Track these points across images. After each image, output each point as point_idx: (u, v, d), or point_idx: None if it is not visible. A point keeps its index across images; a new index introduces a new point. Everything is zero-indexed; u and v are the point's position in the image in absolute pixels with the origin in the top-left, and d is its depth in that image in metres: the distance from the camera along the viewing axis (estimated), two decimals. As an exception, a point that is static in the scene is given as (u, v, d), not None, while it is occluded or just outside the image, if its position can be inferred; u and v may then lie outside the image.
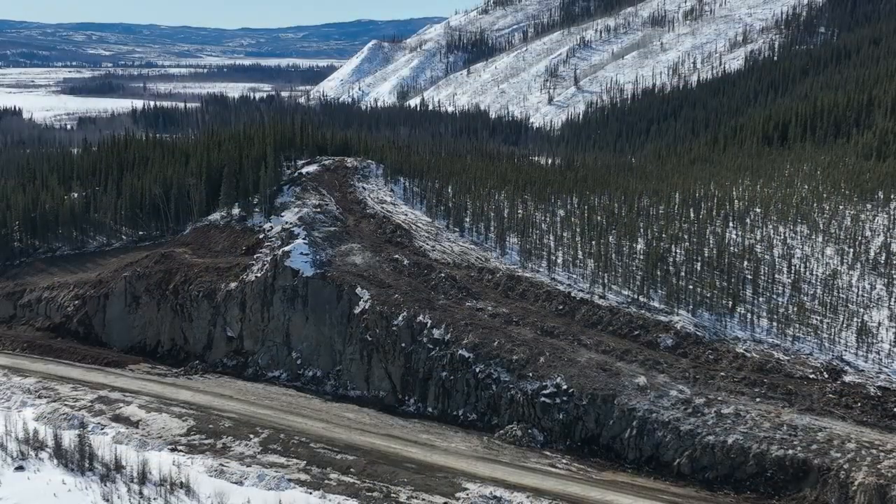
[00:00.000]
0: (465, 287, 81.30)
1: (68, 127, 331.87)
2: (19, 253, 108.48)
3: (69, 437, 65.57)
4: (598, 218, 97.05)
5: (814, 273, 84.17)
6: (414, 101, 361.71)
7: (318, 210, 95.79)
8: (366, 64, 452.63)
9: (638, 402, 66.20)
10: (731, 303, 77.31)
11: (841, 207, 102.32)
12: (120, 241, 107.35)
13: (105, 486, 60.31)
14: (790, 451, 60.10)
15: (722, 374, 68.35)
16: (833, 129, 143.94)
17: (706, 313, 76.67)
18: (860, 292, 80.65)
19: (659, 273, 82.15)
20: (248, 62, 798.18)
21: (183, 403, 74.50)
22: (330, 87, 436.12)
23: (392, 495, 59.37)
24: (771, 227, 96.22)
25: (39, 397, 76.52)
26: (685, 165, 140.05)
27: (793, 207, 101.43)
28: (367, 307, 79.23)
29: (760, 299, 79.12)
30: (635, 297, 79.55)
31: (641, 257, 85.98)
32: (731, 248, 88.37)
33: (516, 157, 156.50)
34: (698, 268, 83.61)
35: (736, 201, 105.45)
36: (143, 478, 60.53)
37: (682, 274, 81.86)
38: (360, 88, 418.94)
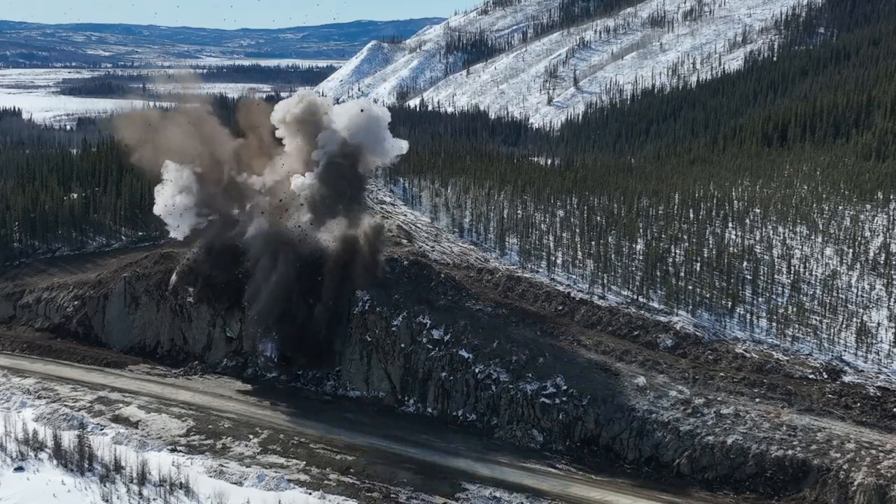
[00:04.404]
0: (464, 287, 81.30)
1: (68, 128, 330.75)
2: (19, 253, 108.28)
3: (69, 438, 65.56)
4: (598, 218, 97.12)
5: (813, 273, 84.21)
6: (413, 102, 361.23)
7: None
8: (365, 64, 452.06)
9: (637, 402, 66.24)
10: (730, 303, 77.37)
11: (840, 208, 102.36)
12: (119, 241, 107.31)
13: (104, 486, 60.33)
14: (790, 452, 60.14)
15: (721, 374, 68.40)
16: (832, 129, 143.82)
17: (705, 314, 76.73)
18: (859, 293, 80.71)
19: (658, 273, 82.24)
20: (247, 63, 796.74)
21: (182, 404, 74.54)
22: (329, 88, 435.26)
23: (392, 496, 59.40)
24: (770, 227, 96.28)
25: (39, 398, 76.49)
26: (685, 166, 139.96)
27: (792, 208, 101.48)
28: (366, 307, 79.18)
29: (760, 300, 79.17)
30: (635, 297, 79.62)
31: (641, 258, 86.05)
32: (731, 248, 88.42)
33: (516, 157, 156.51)
34: (698, 268, 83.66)
35: (735, 202, 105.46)
36: (142, 478, 60.56)
37: (682, 274, 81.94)
38: (359, 89, 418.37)
